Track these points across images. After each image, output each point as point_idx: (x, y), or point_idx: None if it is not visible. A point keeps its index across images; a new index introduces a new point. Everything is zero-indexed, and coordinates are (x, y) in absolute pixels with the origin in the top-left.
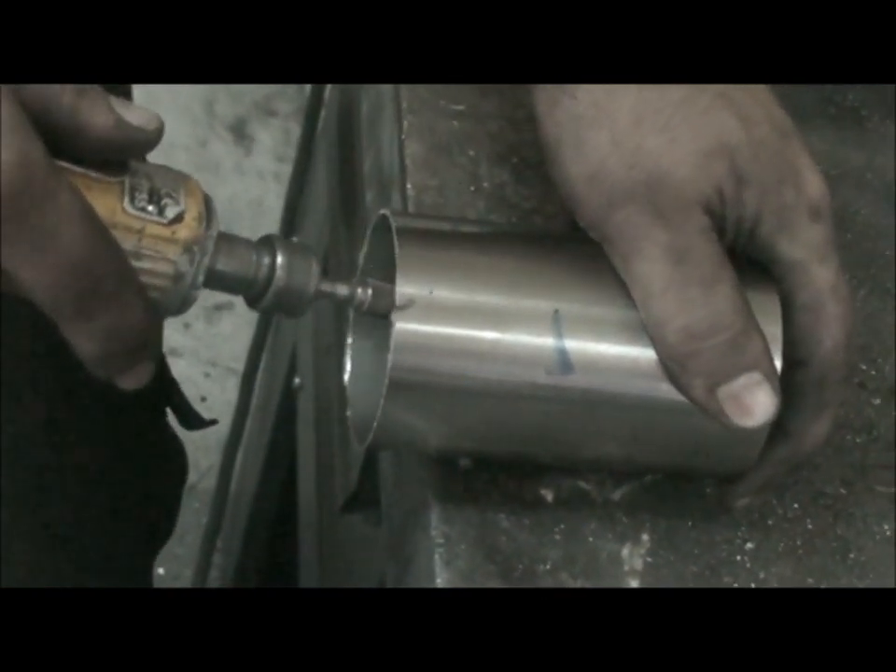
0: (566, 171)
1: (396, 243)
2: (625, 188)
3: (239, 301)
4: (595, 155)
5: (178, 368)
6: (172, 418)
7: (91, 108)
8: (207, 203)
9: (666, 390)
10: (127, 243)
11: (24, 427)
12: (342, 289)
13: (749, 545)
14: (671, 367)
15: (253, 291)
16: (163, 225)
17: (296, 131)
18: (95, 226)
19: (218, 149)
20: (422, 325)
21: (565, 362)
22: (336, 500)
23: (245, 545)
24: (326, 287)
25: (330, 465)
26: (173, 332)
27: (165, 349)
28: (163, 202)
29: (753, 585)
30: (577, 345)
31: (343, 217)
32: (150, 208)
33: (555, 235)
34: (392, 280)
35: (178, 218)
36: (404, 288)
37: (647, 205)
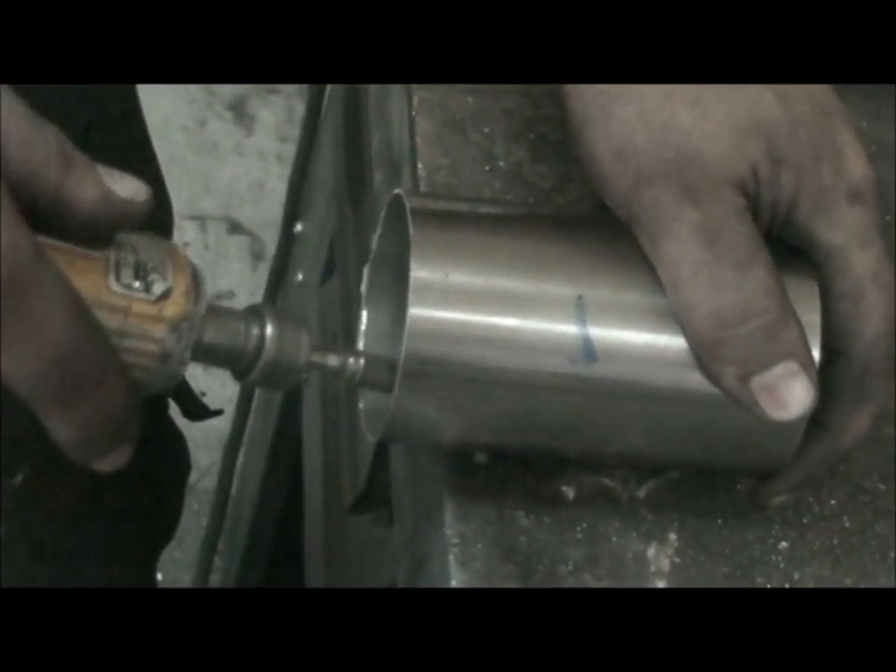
0: (591, 148)
1: (410, 224)
2: (653, 165)
3: (239, 289)
4: (621, 131)
5: None
6: (174, 410)
7: (79, 182)
8: (195, 275)
9: (697, 380)
10: (112, 321)
11: (22, 419)
12: (333, 360)
13: (783, 544)
14: (701, 355)
15: (242, 364)
16: (150, 303)
17: (300, 108)
18: (81, 316)
19: (217, 129)
20: (438, 311)
21: (588, 351)
22: (344, 499)
23: (247, 548)
24: (317, 358)
25: (338, 462)
26: None
27: None
28: (150, 277)
29: (788, 587)
30: (601, 333)
31: (351, 200)
32: (137, 284)
33: (578, 216)
34: (406, 264)
35: (166, 295)
36: (419, 272)
37: (676, 184)
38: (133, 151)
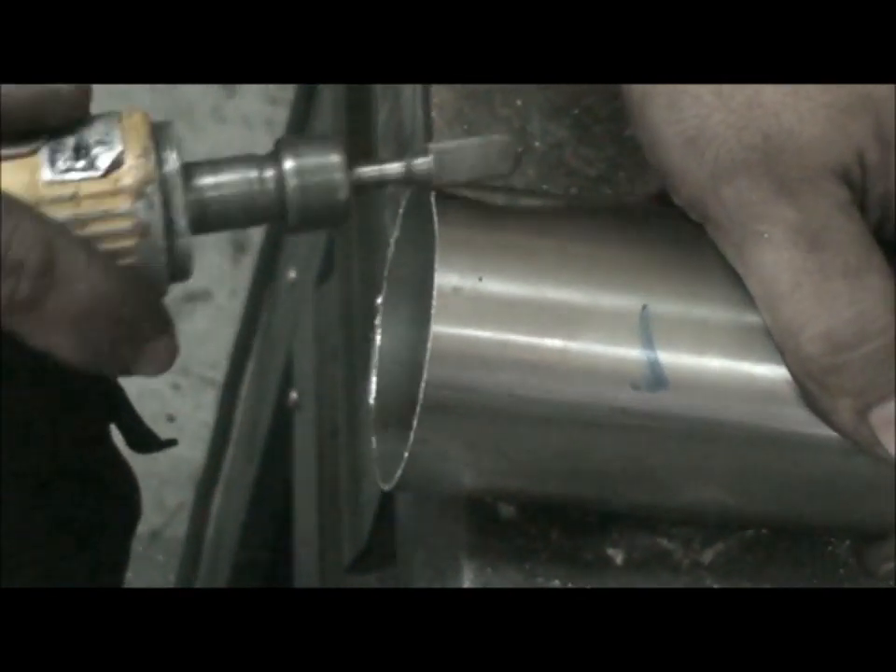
0: (656, 133)
1: (436, 219)
2: (736, 154)
3: (217, 289)
4: (694, 112)
5: (139, 377)
6: (119, 437)
7: None
8: (160, 131)
9: (790, 417)
10: (62, 213)
11: None
12: (390, 168)
13: None
14: (807, 385)
15: (269, 214)
16: (98, 179)
17: None
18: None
19: (193, 88)
20: (468, 327)
21: (655, 375)
22: (343, 555)
23: None
24: (366, 172)
25: (336, 507)
26: None
27: None
28: (94, 152)
29: None
30: (672, 353)
31: None
32: (78, 165)
33: (640, 211)
34: (430, 276)
35: (117, 164)
36: (446, 277)
37: (766, 176)
38: None
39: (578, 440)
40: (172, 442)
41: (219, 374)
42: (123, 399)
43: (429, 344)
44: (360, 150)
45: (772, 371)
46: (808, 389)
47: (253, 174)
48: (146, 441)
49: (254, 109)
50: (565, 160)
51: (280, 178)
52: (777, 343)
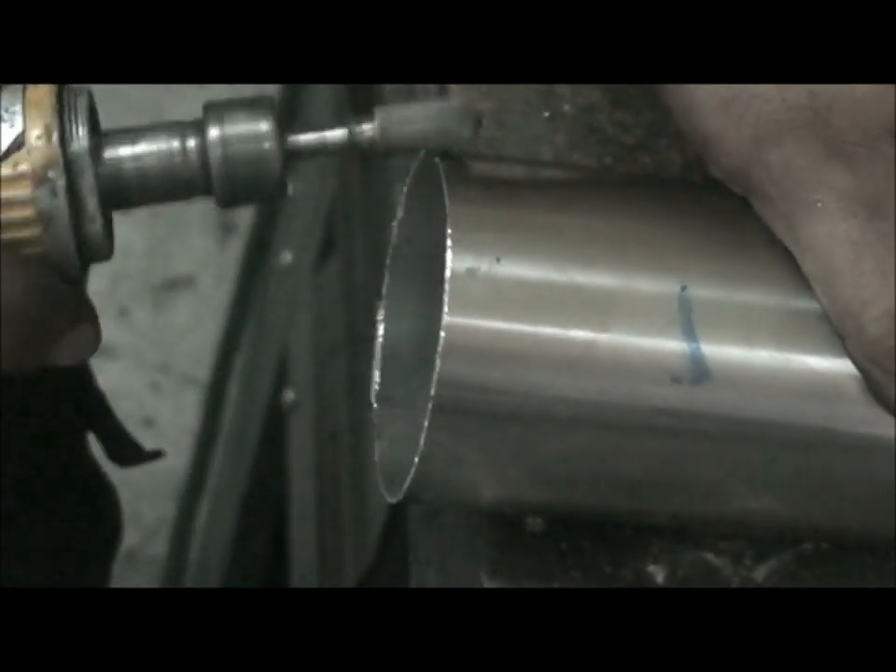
0: (688, 97)
1: (446, 193)
2: (780, 115)
3: (201, 275)
4: None
5: (112, 375)
6: (98, 449)
7: None
8: (70, 100)
9: (851, 414)
10: None
11: None
12: (331, 135)
13: None
14: (872, 373)
15: (193, 188)
16: None
17: None
18: None
19: None
20: (484, 316)
21: (697, 365)
22: (346, 576)
23: None
24: (301, 140)
25: (338, 523)
26: (103, 322)
27: None
28: None
29: None
30: (715, 343)
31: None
32: None
33: (676, 183)
34: (440, 252)
35: (17, 145)
36: (459, 261)
37: (815, 138)
38: None
39: (610, 443)
40: (158, 454)
41: (204, 372)
42: (105, 407)
43: (441, 336)
44: (362, 101)
45: (829, 362)
46: (873, 378)
47: (175, 143)
48: (129, 452)
49: None
50: (598, 125)
51: (204, 149)
52: (835, 327)
